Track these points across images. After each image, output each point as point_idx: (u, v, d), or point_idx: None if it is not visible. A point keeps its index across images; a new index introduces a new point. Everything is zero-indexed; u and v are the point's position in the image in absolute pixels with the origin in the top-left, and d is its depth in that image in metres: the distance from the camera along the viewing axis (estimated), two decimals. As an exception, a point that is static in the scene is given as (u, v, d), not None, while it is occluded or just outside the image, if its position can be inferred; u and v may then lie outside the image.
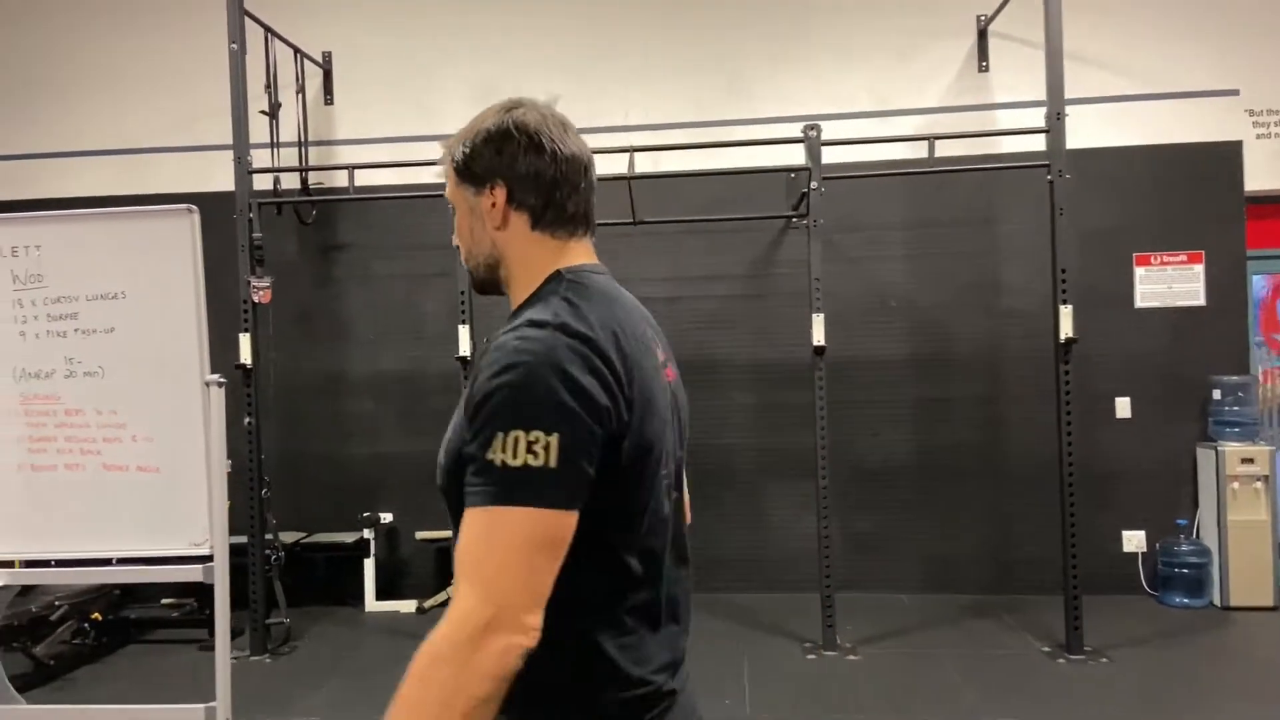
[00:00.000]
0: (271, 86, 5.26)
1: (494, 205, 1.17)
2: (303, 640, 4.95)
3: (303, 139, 5.63)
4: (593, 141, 1.27)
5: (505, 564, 0.99)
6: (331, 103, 5.88)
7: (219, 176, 5.57)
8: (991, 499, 5.43)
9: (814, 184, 4.40)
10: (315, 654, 4.77)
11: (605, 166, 5.19)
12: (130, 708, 3.72)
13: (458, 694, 0.97)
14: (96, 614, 4.69)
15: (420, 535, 5.62)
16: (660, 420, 1.13)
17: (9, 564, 3.38)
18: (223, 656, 3.17)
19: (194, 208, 3.21)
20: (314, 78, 5.77)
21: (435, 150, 4.69)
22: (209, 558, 3.21)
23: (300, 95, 5.61)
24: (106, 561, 3.33)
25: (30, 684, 4.16)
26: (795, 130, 4.80)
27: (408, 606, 5.54)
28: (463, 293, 4.80)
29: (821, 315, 4.43)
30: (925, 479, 5.45)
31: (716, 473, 5.55)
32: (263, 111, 5.22)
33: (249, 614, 4.72)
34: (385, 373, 5.78)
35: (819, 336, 4.41)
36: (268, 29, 5.14)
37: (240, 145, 4.84)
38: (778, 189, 5.44)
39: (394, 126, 5.73)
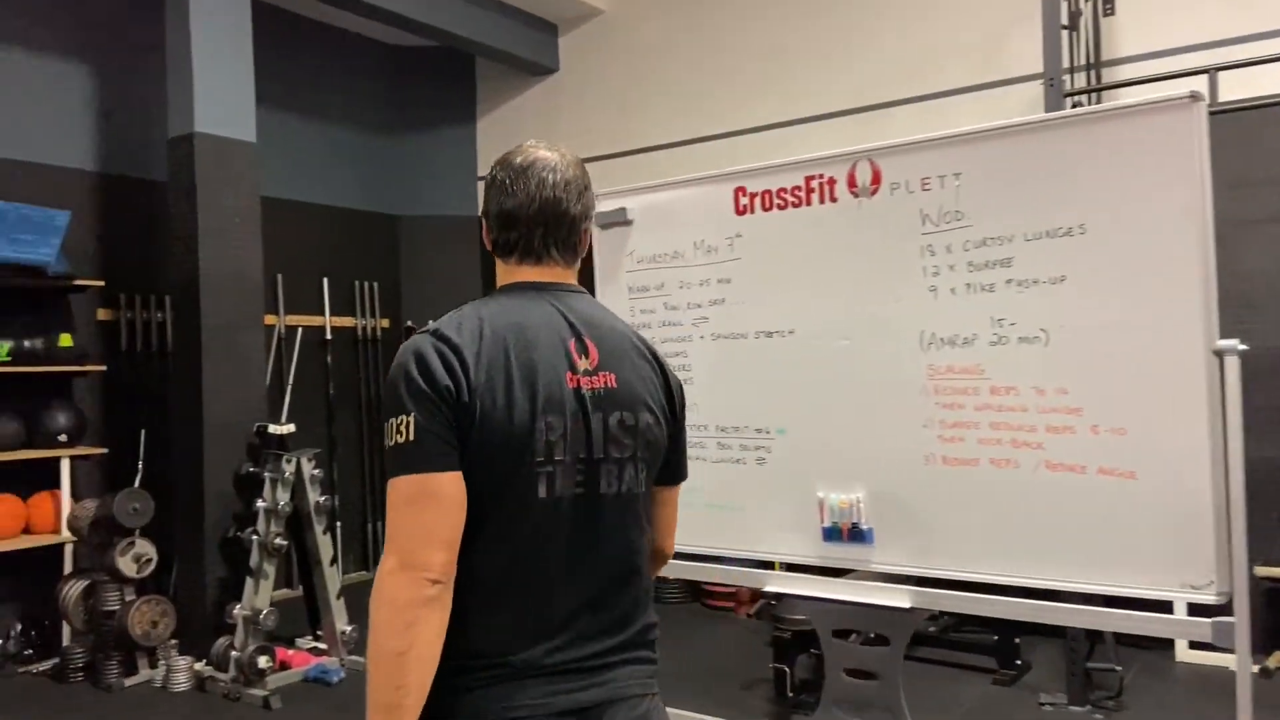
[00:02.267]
0: (1071, -7, 4.21)
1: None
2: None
3: (1093, 58, 4.50)
4: None
5: (399, 520, 1.21)
6: (1113, 13, 4.67)
7: (952, 116, 4.79)
8: None
9: None
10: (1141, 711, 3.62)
11: None
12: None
13: (391, 623, 1.17)
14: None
15: (1261, 571, 4.13)
16: (521, 412, 1.26)
17: (909, 579, 2.75)
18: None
19: (1200, 93, 2.20)
20: (1090, -14, 4.61)
21: (1265, 48, 2.86)
22: (1223, 608, 2.19)
23: (1091, 3, 4.48)
24: (1051, 595, 2.50)
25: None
26: None
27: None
28: None
29: None
30: None
31: None
32: (1063, 26, 4.19)
33: (1066, 652, 3.74)
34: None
35: None
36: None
37: (1052, 64, 3.85)
38: None
39: (1199, 31, 4.31)
